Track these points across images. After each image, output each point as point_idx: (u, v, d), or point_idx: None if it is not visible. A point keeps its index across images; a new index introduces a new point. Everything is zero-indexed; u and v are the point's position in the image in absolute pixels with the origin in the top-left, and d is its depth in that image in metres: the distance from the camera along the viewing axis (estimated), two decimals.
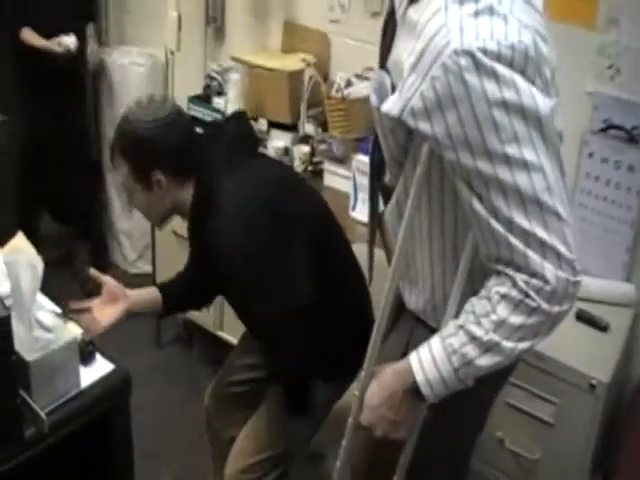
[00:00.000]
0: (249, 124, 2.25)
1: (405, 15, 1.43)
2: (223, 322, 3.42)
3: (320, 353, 1.98)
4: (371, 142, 1.71)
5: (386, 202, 1.68)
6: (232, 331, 3.37)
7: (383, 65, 1.52)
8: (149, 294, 2.27)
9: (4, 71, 3.77)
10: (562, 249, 1.33)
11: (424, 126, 1.33)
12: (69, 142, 3.93)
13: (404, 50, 1.38)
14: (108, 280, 2.20)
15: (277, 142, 3.28)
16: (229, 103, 3.29)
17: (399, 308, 1.74)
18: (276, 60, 3.39)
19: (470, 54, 1.24)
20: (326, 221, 2.20)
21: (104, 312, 2.15)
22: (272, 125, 3.33)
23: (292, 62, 3.33)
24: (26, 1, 3.63)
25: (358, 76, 3.23)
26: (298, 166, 3.25)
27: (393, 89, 1.43)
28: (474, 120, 1.28)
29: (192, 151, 2.05)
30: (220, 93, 3.55)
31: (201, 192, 2.03)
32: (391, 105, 1.39)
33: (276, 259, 1.94)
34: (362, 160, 2.88)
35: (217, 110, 3.47)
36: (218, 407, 2.46)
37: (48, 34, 3.58)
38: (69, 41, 3.57)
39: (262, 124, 3.33)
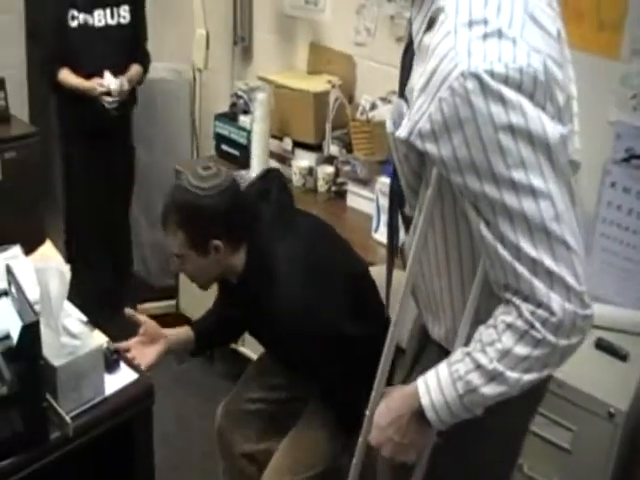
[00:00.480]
0: (286, 184, 2.34)
1: (421, 43, 1.41)
2: (244, 338, 3.41)
3: (359, 376, 1.98)
4: (391, 170, 1.68)
5: (407, 231, 1.67)
6: (253, 347, 3.37)
7: (402, 94, 1.51)
8: (184, 334, 2.34)
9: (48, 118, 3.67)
10: (570, 280, 1.30)
11: (431, 148, 1.32)
12: (115, 178, 3.74)
13: (417, 75, 1.38)
14: (146, 320, 2.25)
15: (301, 162, 3.33)
16: (255, 122, 3.31)
17: (424, 339, 1.72)
18: (302, 81, 3.43)
19: (477, 77, 1.23)
20: (355, 262, 2.33)
21: (143, 353, 2.21)
22: (297, 145, 3.38)
23: (318, 83, 3.37)
24: (68, 37, 3.40)
25: (383, 99, 3.26)
26: (321, 186, 3.28)
27: None
28: (480, 143, 1.26)
29: (245, 218, 2.13)
30: (246, 112, 3.58)
31: (254, 258, 2.12)
32: (402, 128, 1.39)
33: (329, 310, 2.06)
34: (385, 182, 2.89)
35: (243, 128, 3.50)
36: (232, 422, 2.48)
37: (90, 74, 3.38)
38: (111, 81, 3.35)
39: (287, 144, 3.36)
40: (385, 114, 3.09)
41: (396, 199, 1.69)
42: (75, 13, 3.37)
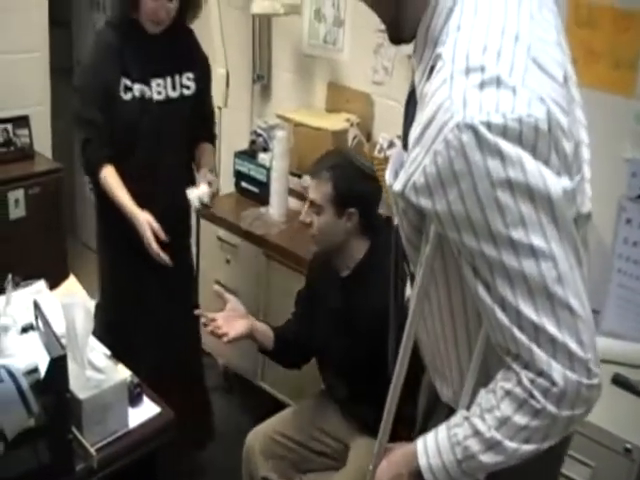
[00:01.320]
0: None
1: (422, 92, 1.32)
2: (264, 373, 3.46)
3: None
4: (393, 233, 1.61)
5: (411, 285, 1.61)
6: (272, 382, 3.44)
7: (406, 144, 1.39)
8: (266, 327, 2.52)
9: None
10: (574, 348, 1.21)
11: (426, 203, 1.24)
12: (171, 285, 2.98)
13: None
14: (231, 298, 2.44)
15: None
16: (274, 159, 3.35)
17: (433, 397, 1.67)
18: (321, 119, 3.47)
19: (473, 129, 1.15)
20: None
21: (231, 324, 2.38)
22: None
23: (336, 121, 3.40)
24: (118, 113, 2.73)
25: (400, 137, 3.30)
26: None
27: None
28: (476, 199, 1.18)
29: (379, 215, 2.45)
30: (265, 149, 3.63)
31: (375, 254, 2.36)
32: (397, 182, 1.32)
33: None
34: None
35: (262, 166, 3.54)
36: (262, 447, 2.55)
37: (146, 163, 2.81)
38: (203, 193, 2.76)
39: (306, 181, 3.39)
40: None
41: (400, 253, 1.61)
42: (128, 83, 2.72)
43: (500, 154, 1.15)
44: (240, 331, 2.39)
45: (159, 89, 2.79)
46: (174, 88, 2.83)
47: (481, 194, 1.17)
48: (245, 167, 3.64)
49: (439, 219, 1.25)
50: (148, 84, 2.75)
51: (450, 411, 1.52)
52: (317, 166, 2.40)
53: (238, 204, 3.61)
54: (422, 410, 1.77)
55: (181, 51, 2.86)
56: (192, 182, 2.89)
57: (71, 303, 1.87)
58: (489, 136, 1.15)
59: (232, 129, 4.01)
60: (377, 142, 3.28)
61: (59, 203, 3.57)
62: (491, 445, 1.30)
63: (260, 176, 3.54)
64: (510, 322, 1.23)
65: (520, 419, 1.26)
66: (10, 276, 2.30)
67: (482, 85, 1.17)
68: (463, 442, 1.34)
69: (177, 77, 2.84)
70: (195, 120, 2.93)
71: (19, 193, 3.38)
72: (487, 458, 1.31)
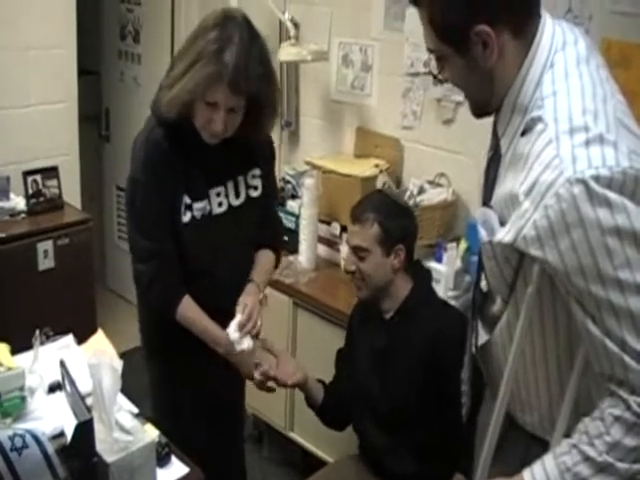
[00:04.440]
0: None
1: (515, 149, 1.46)
2: (294, 423, 3.42)
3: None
4: (472, 283, 1.77)
5: (490, 331, 1.68)
6: (303, 433, 3.40)
7: (486, 202, 1.58)
8: (317, 382, 2.56)
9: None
10: None
11: (536, 252, 1.37)
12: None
13: (513, 182, 1.43)
14: (282, 350, 2.48)
15: None
16: (303, 207, 3.33)
17: (506, 430, 1.72)
18: (349, 165, 3.45)
19: (583, 182, 1.29)
20: None
21: (286, 374, 2.41)
22: (345, 229, 3.33)
23: (365, 167, 3.38)
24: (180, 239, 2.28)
25: (430, 182, 3.27)
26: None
27: (501, 224, 1.47)
28: (587, 247, 1.31)
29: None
30: (294, 196, 3.62)
31: (420, 284, 2.44)
32: (503, 234, 1.43)
33: None
34: (434, 267, 2.89)
35: (291, 213, 3.52)
36: None
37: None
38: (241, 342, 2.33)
39: (335, 228, 3.37)
40: (433, 198, 3.11)
41: (476, 306, 1.74)
42: (188, 201, 2.24)
43: (608, 204, 1.29)
44: (298, 378, 2.44)
45: (219, 200, 2.30)
46: (237, 195, 2.35)
47: (592, 242, 1.31)
48: None
49: (549, 265, 1.38)
50: (208, 197, 2.28)
51: (527, 435, 1.68)
52: (358, 211, 2.42)
53: None
54: (489, 440, 1.76)
55: (246, 148, 2.31)
56: None
57: (98, 363, 1.83)
58: (598, 188, 1.29)
59: None
60: (407, 188, 3.25)
61: (88, 254, 3.56)
62: (602, 468, 1.40)
63: (289, 224, 3.51)
64: (618, 349, 1.35)
65: (630, 441, 1.37)
66: (38, 332, 2.28)
67: (588, 143, 1.32)
68: (573, 468, 1.42)
69: (241, 179, 2.36)
70: (260, 221, 2.46)
71: (48, 244, 3.37)
72: None
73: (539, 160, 1.36)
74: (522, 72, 1.46)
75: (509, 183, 1.45)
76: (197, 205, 2.25)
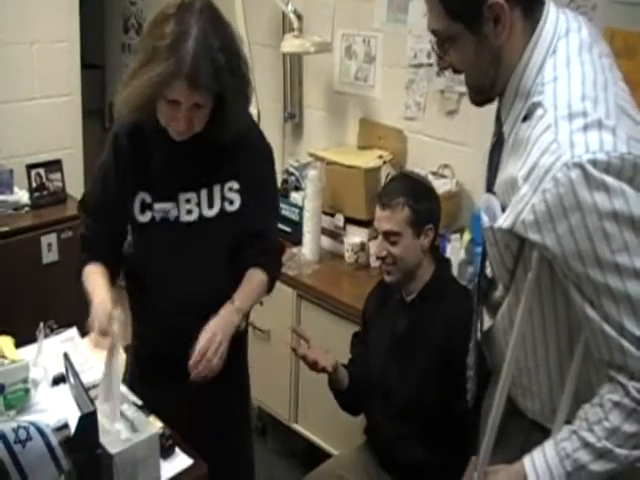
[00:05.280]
0: None
1: (517, 134, 1.47)
2: (298, 415, 3.42)
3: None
4: (477, 269, 1.77)
5: (493, 317, 1.70)
6: (307, 425, 3.40)
7: (490, 189, 1.57)
8: (344, 369, 2.55)
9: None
10: None
11: (535, 237, 1.37)
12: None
13: (513, 167, 1.44)
14: (311, 337, 2.50)
15: (353, 238, 3.31)
16: (307, 199, 3.32)
17: (508, 416, 1.71)
18: (353, 156, 3.44)
19: (580, 167, 1.29)
20: None
21: (319, 356, 2.44)
22: (348, 221, 3.36)
23: (369, 159, 3.38)
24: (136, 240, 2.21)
25: (434, 173, 3.26)
26: (374, 262, 3.26)
27: (503, 210, 1.47)
28: (585, 231, 1.32)
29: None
30: (298, 188, 3.61)
31: (442, 269, 2.47)
32: (503, 219, 1.44)
33: None
34: None
35: (295, 205, 3.51)
36: None
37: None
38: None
39: (339, 220, 3.36)
40: (437, 189, 3.09)
41: (481, 292, 1.76)
42: (148, 200, 2.12)
43: (606, 188, 1.30)
44: (330, 362, 2.45)
45: (189, 207, 2.12)
46: (211, 205, 2.14)
47: (590, 226, 1.32)
48: None
49: (547, 250, 1.38)
50: (176, 201, 2.11)
51: (529, 422, 1.69)
52: (386, 196, 2.41)
53: None
54: (491, 425, 1.74)
55: (227, 151, 2.12)
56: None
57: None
58: (595, 173, 1.29)
59: None
60: None
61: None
62: (601, 454, 1.41)
63: (293, 216, 3.50)
64: (617, 334, 1.36)
65: (629, 427, 1.39)
66: (42, 325, 2.28)
67: (586, 128, 1.32)
68: (573, 454, 1.44)
69: (217, 189, 2.14)
70: (242, 238, 2.19)
71: (52, 237, 3.38)
72: (597, 467, 1.42)
73: (538, 145, 1.36)
74: (525, 56, 1.46)
75: (510, 168, 1.46)
76: (159, 206, 2.10)
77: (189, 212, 2.12)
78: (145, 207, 2.11)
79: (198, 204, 2.12)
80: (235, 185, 2.15)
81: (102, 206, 2.16)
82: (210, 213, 2.14)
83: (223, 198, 2.15)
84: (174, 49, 1.86)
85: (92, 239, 2.21)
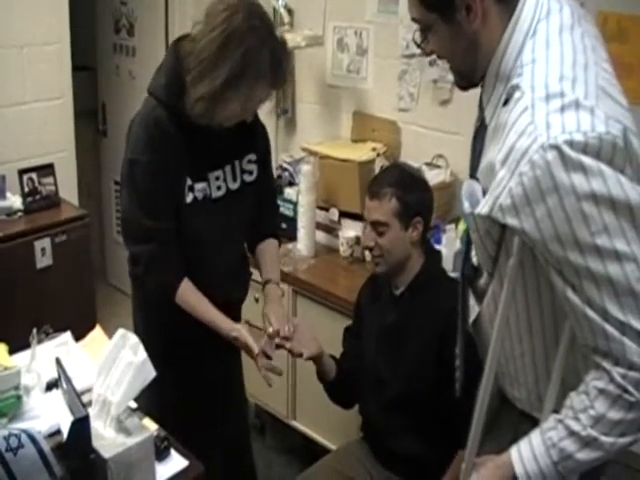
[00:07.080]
0: None
1: (497, 118, 1.46)
2: (296, 412, 3.41)
3: None
4: (461, 256, 1.74)
5: (480, 304, 1.69)
6: (305, 421, 3.39)
7: (473, 175, 1.56)
8: (330, 358, 2.55)
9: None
10: None
11: (513, 221, 1.35)
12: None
13: (493, 151, 1.42)
14: (299, 321, 2.56)
15: (348, 232, 3.29)
16: (301, 194, 3.31)
17: (498, 401, 1.73)
18: (346, 150, 3.42)
19: (557, 148, 1.27)
20: None
21: (303, 345, 2.39)
22: (343, 215, 3.35)
23: (362, 152, 3.36)
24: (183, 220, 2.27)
25: (428, 164, 3.25)
26: (368, 255, 3.24)
27: (484, 195, 1.46)
28: (563, 213, 1.29)
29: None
30: (292, 184, 3.60)
31: (432, 260, 2.44)
32: (481, 205, 1.43)
33: None
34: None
35: (289, 201, 3.49)
36: None
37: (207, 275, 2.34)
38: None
39: (333, 214, 3.35)
40: (432, 179, 3.07)
41: (467, 280, 1.74)
42: (190, 182, 2.24)
43: (583, 169, 1.27)
44: (313, 351, 2.42)
45: (218, 183, 2.30)
46: (234, 178, 2.35)
47: (567, 208, 1.29)
48: None
49: (526, 235, 1.36)
50: (207, 180, 2.27)
51: (519, 412, 1.68)
52: (375, 186, 2.40)
53: None
54: (478, 414, 1.75)
55: (242, 130, 2.30)
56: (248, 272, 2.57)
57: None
58: (572, 154, 1.27)
59: None
60: None
61: (86, 250, 3.54)
62: (587, 442, 1.40)
63: (287, 211, 3.48)
64: (600, 319, 1.34)
65: (615, 414, 1.36)
66: (35, 331, 2.26)
67: (563, 108, 1.30)
68: (559, 444, 1.42)
69: (237, 163, 2.35)
70: (256, 207, 2.45)
71: (45, 242, 3.35)
72: (583, 455, 1.41)
73: (515, 128, 1.34)
74: (504, 38, 1.45)
75: (490, 153, 1.45)
76: (198, 186, 2.25)
77: (219, 188, 2.31)
78: (188, 189, 2.24)
79: (224, 179, 2.32)
80: (253, 157, 2.40)
81: (168, 204, 2.23)
82: (234, 186, 2.35)
83: (242, 171, 2.37)
84: (274, 71, 2.10)
85: (162, 253, 2.25)
